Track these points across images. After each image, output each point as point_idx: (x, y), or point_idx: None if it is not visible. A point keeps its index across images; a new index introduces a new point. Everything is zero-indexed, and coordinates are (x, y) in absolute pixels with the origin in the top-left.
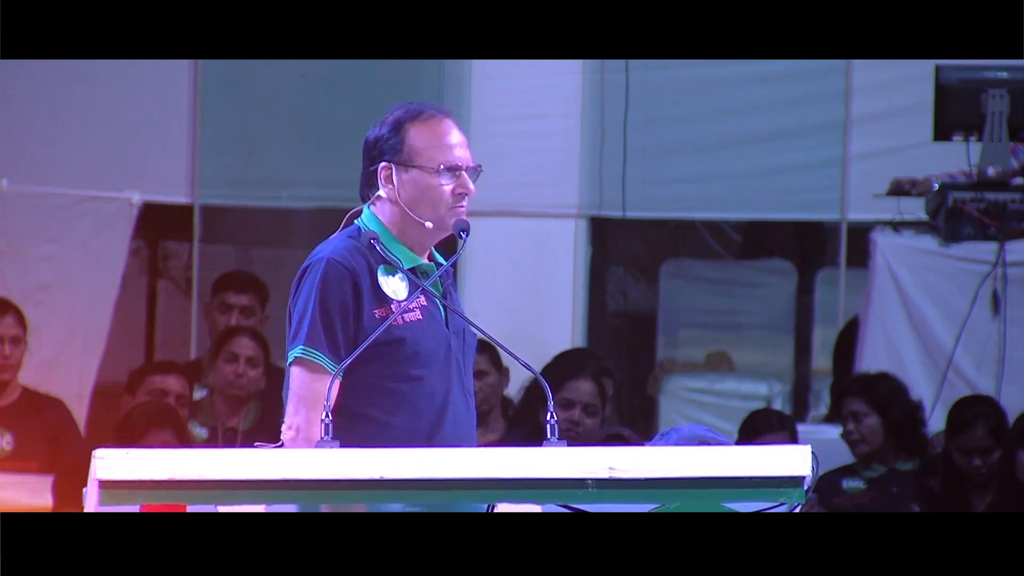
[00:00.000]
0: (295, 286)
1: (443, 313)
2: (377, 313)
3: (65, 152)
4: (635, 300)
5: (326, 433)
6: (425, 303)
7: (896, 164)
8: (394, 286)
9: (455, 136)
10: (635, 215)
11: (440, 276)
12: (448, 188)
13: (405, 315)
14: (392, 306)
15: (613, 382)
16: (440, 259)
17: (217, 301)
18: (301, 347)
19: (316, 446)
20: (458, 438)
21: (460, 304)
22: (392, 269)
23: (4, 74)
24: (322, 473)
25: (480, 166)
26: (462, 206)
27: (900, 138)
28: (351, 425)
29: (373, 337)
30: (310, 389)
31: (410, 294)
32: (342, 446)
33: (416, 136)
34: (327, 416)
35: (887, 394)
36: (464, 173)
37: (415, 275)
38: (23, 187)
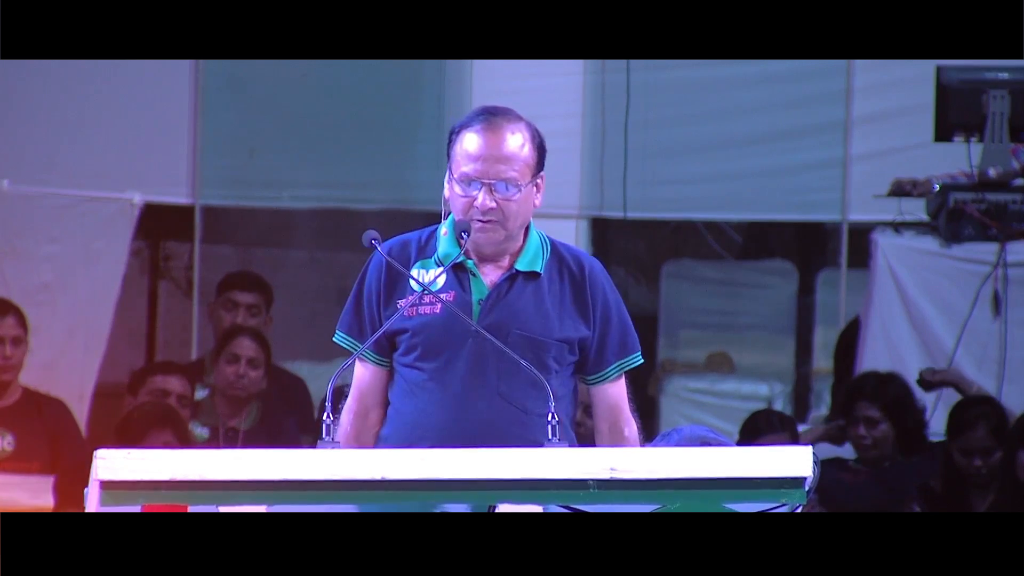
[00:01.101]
0: None
1: (477, 310)
2: (400, 303)
3: (66, 152)
4: (636, 301)
5: (326, 433)
6: (453, 299)
7: (897, 165)
8: (427, 279)
9: (483, 148)
10: (636, 216)
11: (504, 278)
12: (463, 200)
13: (421, 308)
14: (412, 298)
15: None
16: (526, 265)
17: (223, 299)
18: (336, 332)
19: (316, 446)
20: (466, 435)
21: (550, 308)
22: (431, 263)
23: (4, 74)
24: (322, 473)
25: (508, 181)
26: (480, 221)
27: (901, 139)
28: (387, 412)
29: (380, 332)
30: (351, 373)
31: (442, 289)
32: (343, 444)
33: (457, 144)
34: (328, 416)
35: (898, 399)
36: (485, 187)
37: (455, 271)
38: (24, 188)
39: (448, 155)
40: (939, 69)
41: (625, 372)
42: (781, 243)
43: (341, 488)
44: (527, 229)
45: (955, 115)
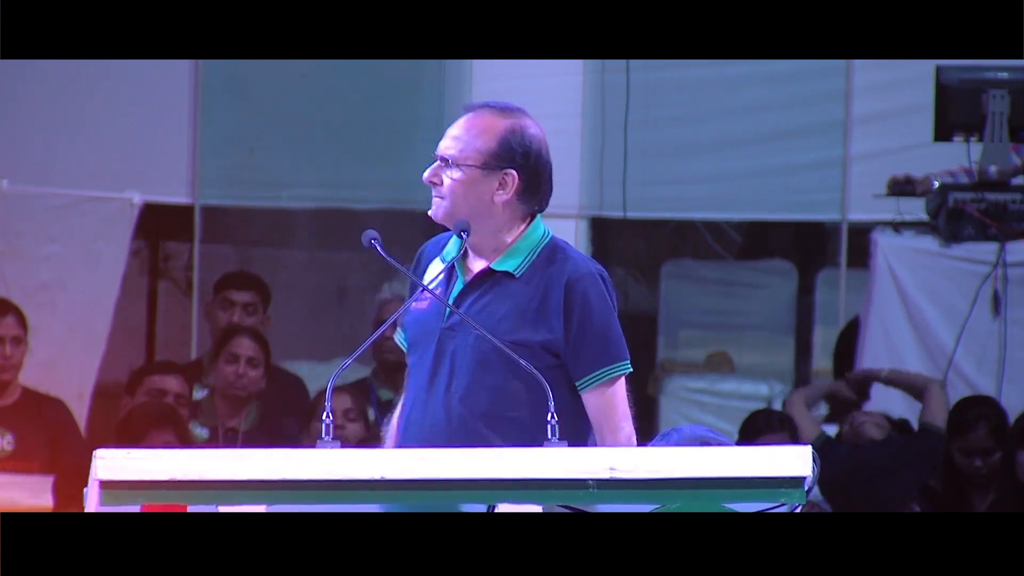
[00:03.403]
0: None
1: (448, 309)
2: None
3: (65, 152)
4: (636, 301)
5: (327, 433)
6: (439, 296)
7: (896, 165)
8: (432, 274)
9: (450, 128)
10: (636, 215)
11: (475, 277)
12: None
13: (417, 303)
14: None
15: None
16: (500, 265)
17: (220, 299)
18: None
19: (316, 446)
20: (423, 432)
21: (498, 304)
22: (442, 259)
23: (4, 74)
24: (322, 473)
25: (448, 159)
26: (435, 196)
27: (901, 139)
28: None
29: (379, 332)
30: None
31: (435, 285)
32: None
33: None
34: (328, 416)
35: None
36: (437, 161)
37: (451, 268)
38: (24, 187)
39: None
40: (939, 69)
41: (614, 380)
42: (781, 243)
43: (341, 488)
44: (527, 227)
45: (955, 115)
